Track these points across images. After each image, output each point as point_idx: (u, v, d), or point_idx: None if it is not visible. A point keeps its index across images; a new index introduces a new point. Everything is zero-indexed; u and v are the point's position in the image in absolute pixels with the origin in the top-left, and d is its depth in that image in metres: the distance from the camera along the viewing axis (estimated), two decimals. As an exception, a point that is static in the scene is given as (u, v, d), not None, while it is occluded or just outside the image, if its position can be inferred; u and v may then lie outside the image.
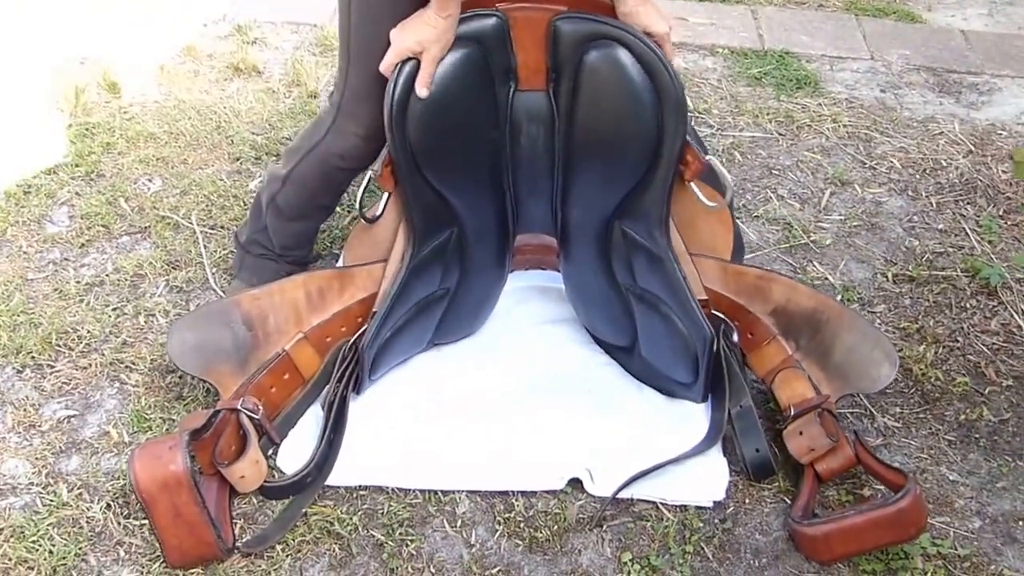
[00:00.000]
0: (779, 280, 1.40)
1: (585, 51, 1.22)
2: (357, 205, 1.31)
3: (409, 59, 1.21)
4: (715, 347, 1.31)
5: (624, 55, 1.21)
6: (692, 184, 1.28)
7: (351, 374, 1.37)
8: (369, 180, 1.30)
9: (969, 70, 2.31)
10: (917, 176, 1.96)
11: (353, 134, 1.34)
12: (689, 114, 1.30)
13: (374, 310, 1.37)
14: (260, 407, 1.30)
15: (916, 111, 2.16)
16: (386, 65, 1.23)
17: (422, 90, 1.22)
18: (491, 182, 1.36)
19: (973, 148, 2.04)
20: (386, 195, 1.33)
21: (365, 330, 1.36)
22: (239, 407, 1.27)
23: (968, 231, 1.81)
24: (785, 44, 2.37)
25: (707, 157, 1.25)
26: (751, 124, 2.08)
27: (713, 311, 1.37)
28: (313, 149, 1.40)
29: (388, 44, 1.22)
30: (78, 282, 1.62)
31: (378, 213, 1.34)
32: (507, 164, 1.35)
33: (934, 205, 1.88)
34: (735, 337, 1.37)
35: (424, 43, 1.19)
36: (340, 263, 1.54)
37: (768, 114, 2.11)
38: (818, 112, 2.12)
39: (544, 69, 1.26)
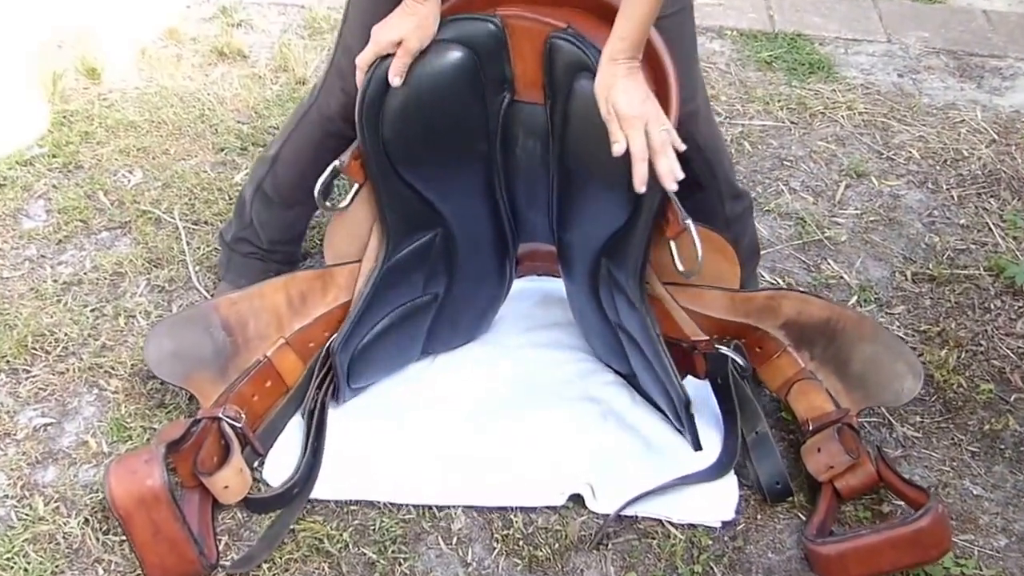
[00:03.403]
0: (790, 296, 1.36)
1: (575, 79, 1.16)
2: (315, 192, 1.25)
3: (385, 57, 1.17)
4: (691, 411, 1.25)
5: None
6: (672, 243, 1.20)
7: (330, 379, 1.33)
8: (334, 170, 1.25)
9: (992, 53, 2.24)
10: (937, 167, 1.90)
11: (341, 90, 1.29)
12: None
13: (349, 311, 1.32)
14: (242, 415, 1.26)
15: (936, 97, 2.09)
16: (363, 61, 1.18)
17: (395, 79, 1.17)
18: (483, 190, 1.31)
19: (996, 137, 1.97)
20: (356, 186, 1.28)
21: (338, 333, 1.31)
22: (220, 415, 1.23)
23: (991, 226, 1.76)
24: (797, 26, 2.30)
25: (686, 221, 1.16)
26: (761, 112, 2.02)
27: (716, 344, 1.32)
28: (304, 116, 1.37)
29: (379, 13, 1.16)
30: (55, 281, 1.57)
31: (345, 203, 1.29)
32: (499, 174, 1.30)
33: (955, 198, 1.82)
34: (742, 361, 1.32)
35: (403, 35, 1.15)
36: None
37: (779, 101, 2.04)
38: (832, 99, 2.06)
39: (542, 83, 1.20)
